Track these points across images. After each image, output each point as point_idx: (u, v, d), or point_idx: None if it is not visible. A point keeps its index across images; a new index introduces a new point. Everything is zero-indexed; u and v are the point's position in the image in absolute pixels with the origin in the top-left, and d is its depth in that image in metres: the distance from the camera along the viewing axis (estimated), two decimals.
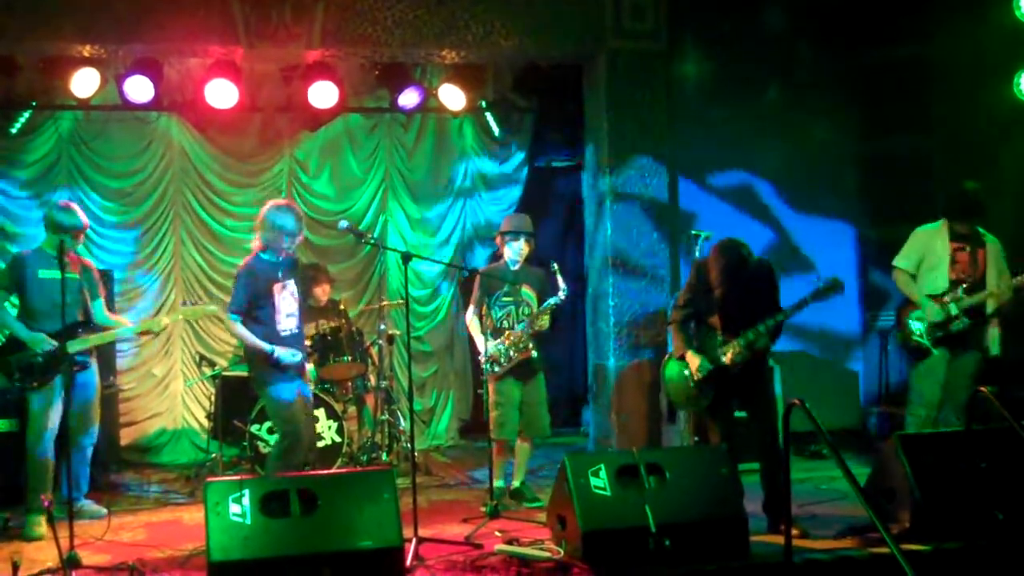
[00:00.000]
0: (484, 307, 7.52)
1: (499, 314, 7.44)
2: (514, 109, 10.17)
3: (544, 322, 7.36)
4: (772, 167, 9.49)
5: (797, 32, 9.52)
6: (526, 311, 7.42)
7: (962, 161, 8.79)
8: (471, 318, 7.65)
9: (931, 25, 8.86)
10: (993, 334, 7.32)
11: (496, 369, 7.33)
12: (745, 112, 9.44)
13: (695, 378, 6.54)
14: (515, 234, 7.53)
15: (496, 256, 8.11)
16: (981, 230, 7.45)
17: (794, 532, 5.96)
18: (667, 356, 6.98)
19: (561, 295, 7.30)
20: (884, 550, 5.35)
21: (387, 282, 10.19)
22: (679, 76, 9.30)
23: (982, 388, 6.04)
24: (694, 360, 6.54)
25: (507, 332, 7.33)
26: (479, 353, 7.51)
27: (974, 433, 6.23)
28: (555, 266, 7.34)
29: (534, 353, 7.33)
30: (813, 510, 6.80)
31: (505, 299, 7.43)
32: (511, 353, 7.29)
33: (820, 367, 9.46)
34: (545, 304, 7.35)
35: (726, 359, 6.41)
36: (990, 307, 7.27)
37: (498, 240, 7.67)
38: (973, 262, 7.38)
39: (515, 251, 7.50)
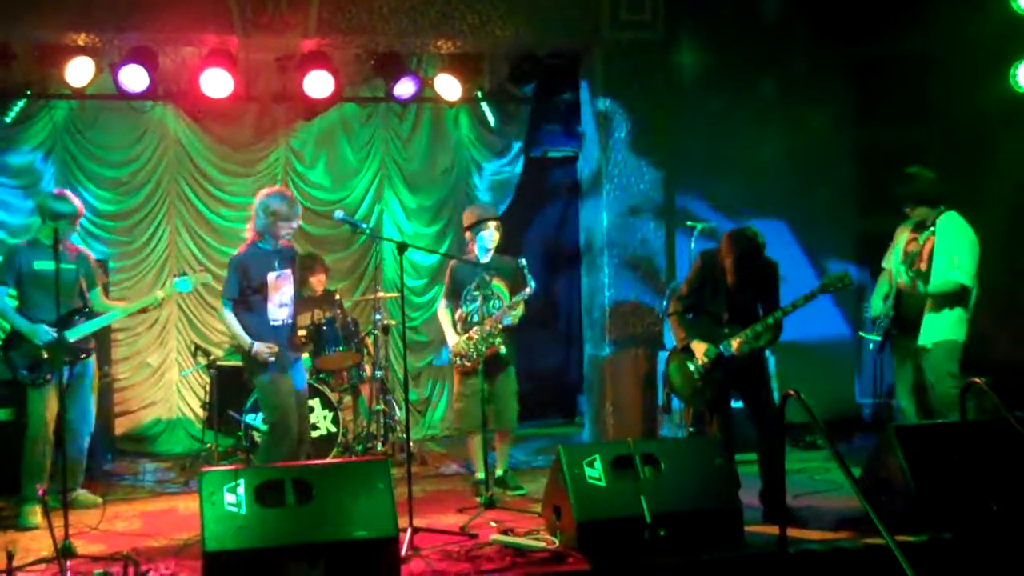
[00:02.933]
0: (456, 300, 7.44)
1: (470, 308, 7.35)
2: (510, 99, 10.14)
3: (514, 317, 7.32)
4: (769, 157, 9.48)
5: (795, 22, 9.50)
6: (496, 304, 7.32)
7: (959, 153, 8.78)
8: (443, 310, 7.55)
9: (929, 17, 8.85)
10: (946, 318, 6.95)
11: (464, 363, 7.28)
12: (742, 102, 9.43)
13: (701, 363, 6.50)
14: (484, 223, 7.37)
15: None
16: (948, 216, 7.04)
17: (793, 521, 6.00)
18: (670, 351, 6.95)
19: (527, 291, 7.25)
20: (879, 541, 5.34)
21: (383, 272, 10.18)
22: (676, 66, 9.29)
23: (976, 379, 6.04)
24: (700, 347, 6.51)
25: (474, 328, 7.23)
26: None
27: (968, 424, 6.24)
28: (523, 262, 7.26)
29: (502, 349, 7.28)
30: (808, 501, 6.81)
31: (476, 292, 7.27)
32: (480, 348, 7.21)
33: (815, 357, 9.47)
34: (511, 302, 7.28)
35: (733, 347, 6.39)
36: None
37: (468, 234, 7.47)
38: (918, 254, 7.11)
39: (487, 240, 7.33)
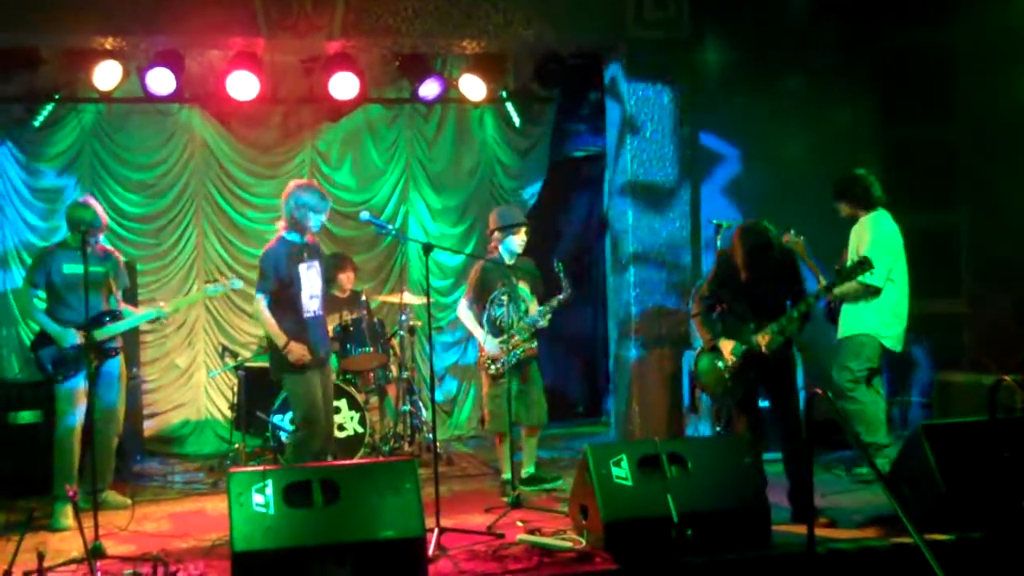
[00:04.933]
0: (482, 301, 7.43)
1: (498, 312, 7.33)
2: (535, 99, 10.15)
3: (546, 321, 7.35)
4: (794, 154, 9.42)
5: (820, 17, 9.44)
6: (523, 307, 7.37)
7: (985, 150, 8.72)
8: (466, 312, 7.50)
9: (955, 12, 8.79)
10: (857, 312, 7.31)
11: (497, 368, 7.27)
12: (767, 99, 9.37)
13: (730, 363, 6.47)
14: (515, 226, 7.40)
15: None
16: (869, 217, 7.35)
17: (822, 521, 5.98)
18: (698, 351, 6.92)
19: (564, 295, 7.27)
20: (908, 540, 5.33)
21: (408, 273, 10.20)
22: (700, 63, 9.25)
23: (1005, 377, 6.00)
24: (727, 345, 6.48)
25: (512, 335, 7.23)
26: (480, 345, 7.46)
27: (998, 422, 6.20)
28: (559, 265, 7.27)
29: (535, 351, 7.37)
30: (836, 500, 6.77)
31: (503, 297, 7.24)
32: (518, 353, 7.27)
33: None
34: (547, 306, 7.32)
35: (762, 344, 6.35)
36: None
37: (496, 236, 7.46)
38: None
39: (517, 244, 7.39)
